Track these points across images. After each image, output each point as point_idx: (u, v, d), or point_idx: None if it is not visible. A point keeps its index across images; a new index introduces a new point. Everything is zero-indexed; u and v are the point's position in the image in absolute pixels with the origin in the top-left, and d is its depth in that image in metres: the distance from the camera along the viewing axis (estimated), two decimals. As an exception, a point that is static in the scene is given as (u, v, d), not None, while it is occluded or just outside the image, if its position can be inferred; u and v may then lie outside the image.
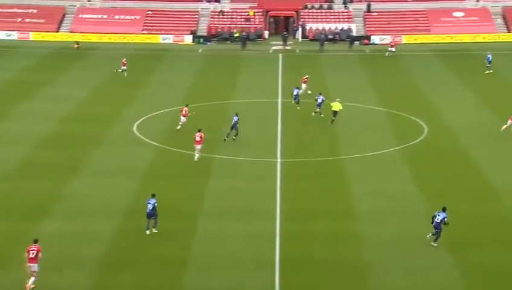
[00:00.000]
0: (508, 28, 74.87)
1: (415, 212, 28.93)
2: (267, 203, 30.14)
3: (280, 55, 66.87)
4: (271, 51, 70.44)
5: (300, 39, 75.61)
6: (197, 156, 34.90)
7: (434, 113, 44.31)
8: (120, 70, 55.86)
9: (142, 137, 39.45)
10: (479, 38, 72.59)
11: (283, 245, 26.27)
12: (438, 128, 40.77)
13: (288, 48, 70.34)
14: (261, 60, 65.12)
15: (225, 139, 37.67)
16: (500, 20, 75.50)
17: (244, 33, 73.52)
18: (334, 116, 41.37)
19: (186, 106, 40.95)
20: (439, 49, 67.94)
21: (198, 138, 34.82)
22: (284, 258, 25.30)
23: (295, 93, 45.33)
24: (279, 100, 48.58)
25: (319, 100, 43.07)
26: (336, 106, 41.72)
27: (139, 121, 42.70)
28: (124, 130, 40.82)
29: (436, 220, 25.79)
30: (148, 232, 27.09)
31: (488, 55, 57.49)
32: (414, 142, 38.22)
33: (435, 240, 25.85)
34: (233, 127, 38.04)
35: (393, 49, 65.87)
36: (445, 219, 25.65)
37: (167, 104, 46.90)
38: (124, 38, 73.87)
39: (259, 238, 26.86)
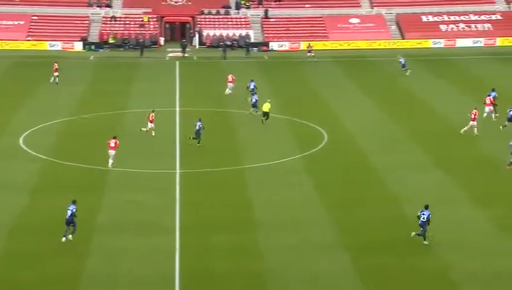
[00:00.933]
0: (402, 34, 78.25)
1: (316, 221, 29.54)
2: (165, 216, 29.92)
3: (177, 62, 66.69)
4: (167, 58, 70.07)
5: (197, 46, 75.73)
6: (111, 162, 35.04)
7: (334, 120, 45.39)
8: (53, 78, 53.97)
9: (29, 151, 38.19)
10: (375, 44, 75.44)
11: (183, 259, 26.17)
12: (338, 136, 41.80)
13: (187, 55, 70.22)
14: (157, 68, 64.69)
15: (198, 145, 38.65)
16: (394, 27, 78.82)
17: (141, 39, 72.86)
18: (264, 117, 43.62)
19: (153, 111, 41.03)
20: (337, 55, 69.97)
21: (112, 144, 35.12)
22: (184, 273, 25.19)
23: (251, 86, 48.59)
24: (177, 109, 48.39)
25: (253, 100, 45.31)
26: (266, 106, 43.91)
27: (26, 133, 41.34)
28: (9, 144, 39.39)
29: (421, 219, 26.98)
30: (64, 239, 26.86)
31: (401, 60, 60.04)
32: (315, 149, 39.03)
33: (424, 239, 26.93)
34: (197, 133, 38.74)
35: (312, 54, 67.12)
36: (429, 217, 26.87)
37: (56, 115, 45.64)
38: (7, 45, 71.31)
39: (158, 252, 26.63)
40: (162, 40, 76.89)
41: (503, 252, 26.62)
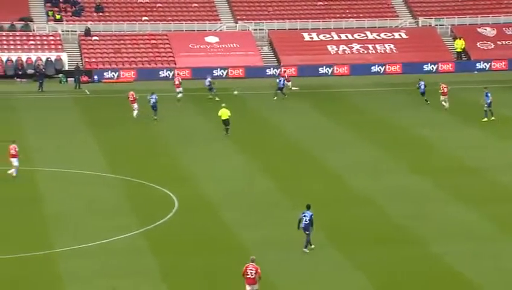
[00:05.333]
0: (277, 58, 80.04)
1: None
2: None
3: None
4: None
5: (-18, 77, 74.01)
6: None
7: (187, 178, 45.61)
8: None
9: None
10: (240, 72, 76.95)
11: None
12: (192, 201, 41.88)
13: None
14: None
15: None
16: (267, 48, 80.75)
17: None
18: (227, 127, 53.58)
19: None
20: (191, 87, 70.37)
21: (13, 151, 44.21)
22: None
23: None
24: None
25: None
26: (225, 113, 53.57)
27: None
28: None
29: None
30: None
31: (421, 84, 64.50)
32: (160, 222, 38.91)
33: None
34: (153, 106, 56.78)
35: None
36: None
37: None
38: None
39: None
40: None
41: None
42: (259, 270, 29.74)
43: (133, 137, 55.19)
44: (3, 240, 36.60)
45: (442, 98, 61.37)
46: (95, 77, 74.47)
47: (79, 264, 33.99)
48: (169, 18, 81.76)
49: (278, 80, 67.20)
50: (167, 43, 79.34)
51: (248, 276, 29.67)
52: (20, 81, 73.29)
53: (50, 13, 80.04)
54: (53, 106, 64.91)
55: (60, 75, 74.11)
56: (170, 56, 78.15)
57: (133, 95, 59.92)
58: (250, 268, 29.74)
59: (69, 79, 73.23)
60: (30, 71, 74.04)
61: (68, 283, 32.19)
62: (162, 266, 33.88)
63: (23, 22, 78.69)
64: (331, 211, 39.58)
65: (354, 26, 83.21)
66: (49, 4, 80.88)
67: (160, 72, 75.75)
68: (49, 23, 79.41)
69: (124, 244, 36.32)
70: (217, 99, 63.89)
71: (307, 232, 34.63)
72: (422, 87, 63.28)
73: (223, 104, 54.92)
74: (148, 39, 79.54)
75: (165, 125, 58.14)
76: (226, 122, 53.78)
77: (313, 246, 34.84)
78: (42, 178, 45.54)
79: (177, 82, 66.08)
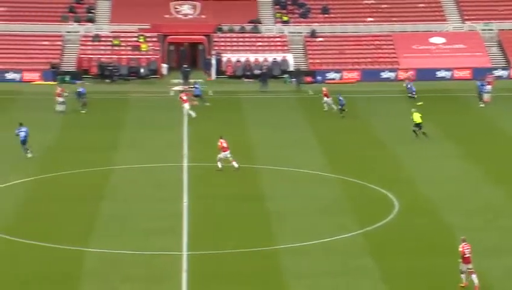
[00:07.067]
0: (506, 57, 77.98)
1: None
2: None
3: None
4: (172, 93, 70.71)
5: (214, 76, 76.43)
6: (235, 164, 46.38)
7: (407, 180, 45.34)
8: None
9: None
10: (467, 74, 75.53)
11: None
12: (413, 203, 41.61)
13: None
14: (156, 107, 65.27)
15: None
16: (495, 49, 78.80)
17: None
18: (420, 130, 53.39)
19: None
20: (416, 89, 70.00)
21: (225, 144, 46.49)
22: None
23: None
24: (185, 164, 48.62)
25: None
26: (417, 116, 53.78)
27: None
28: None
29: None
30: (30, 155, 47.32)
31: (479, 84, 63.09)
32: (381, 223, 38.88)
33: None
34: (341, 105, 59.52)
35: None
36: None
37: (15, 173, 46.21)
38: None
39: None
40: (164, 67, 77.81)
41: None
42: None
43: (352, 136, 55.45)
44: (228, 235, 37.51)
45: None
46: (318, 78, 75.45)
47: (300, 262, 34.45)
48: (394, 19, 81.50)
49: (479, 84, 65.21)
50: (391, 44, 79.16)
51: (466, 255, 30.61)
52: (248, 81, 75.31)
53: (278, 15, 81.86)
54: (276, 105, 66.19)
55: (285, 75, 75.57)
56: (393, 57, 77.92)
57: (326, 90, 62.06)
58: (467, 248, 30.76)
59: (293, 80, 74.57)
60: (257, 72, 75.90)
61: (289, 280, 32.67)
62: (382, 267, 33.87)
63: (252, 24, 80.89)
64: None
65: None
66: (277, 7, 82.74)
67: (382, 73, 75.82)
68: (276, 24, 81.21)
69: (344, 243, 36.50)
70: (419, 103, 63.31)
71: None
72: None
73: (413, 109, 54.51)
74: (371, 40, 79.66)
75: (383, 126, 58.15)
76: (419, 125, 53.22)
77: None
78: (265, 176, 46.46)
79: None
